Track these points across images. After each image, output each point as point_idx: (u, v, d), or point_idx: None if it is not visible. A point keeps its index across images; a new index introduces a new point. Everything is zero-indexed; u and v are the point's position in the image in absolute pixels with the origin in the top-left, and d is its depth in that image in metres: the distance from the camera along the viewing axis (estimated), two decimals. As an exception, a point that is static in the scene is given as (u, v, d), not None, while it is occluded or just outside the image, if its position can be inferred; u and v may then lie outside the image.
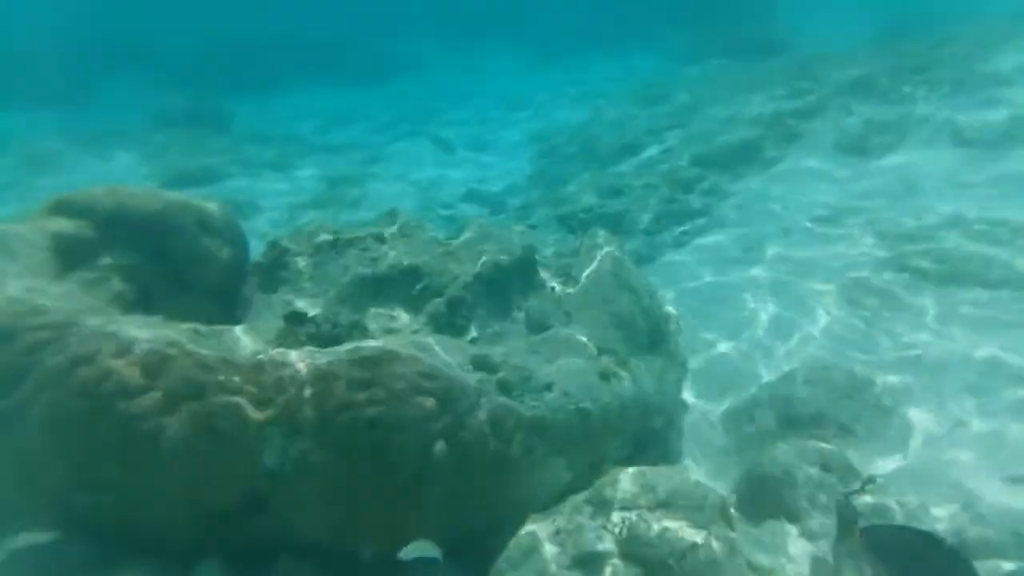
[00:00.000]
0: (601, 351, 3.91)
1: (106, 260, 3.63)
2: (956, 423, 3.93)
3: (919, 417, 4.03)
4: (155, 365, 2.78)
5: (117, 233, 3.68)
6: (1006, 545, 3.01)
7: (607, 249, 4.68)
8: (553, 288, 4.49)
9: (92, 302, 3.26)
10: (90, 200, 3.70)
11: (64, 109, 17.02)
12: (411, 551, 3.05)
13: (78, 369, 2.71)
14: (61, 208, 3.66)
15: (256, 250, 4.42)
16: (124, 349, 2.80)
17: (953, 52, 10.76)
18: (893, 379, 4.40)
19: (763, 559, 2.88)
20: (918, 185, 7.34)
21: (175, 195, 4.10)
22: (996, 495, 3.36)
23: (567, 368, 3.64)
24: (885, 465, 3.60)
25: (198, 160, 12.50)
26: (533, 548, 2.83)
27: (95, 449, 2.63)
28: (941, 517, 3.19)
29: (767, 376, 4.62)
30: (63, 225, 3.61)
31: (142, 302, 3.60)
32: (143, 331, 2.94)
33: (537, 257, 4.50)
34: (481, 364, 3.29)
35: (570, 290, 4.36)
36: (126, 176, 11.78)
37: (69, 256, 3.54)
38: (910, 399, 4.23)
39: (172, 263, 3.86)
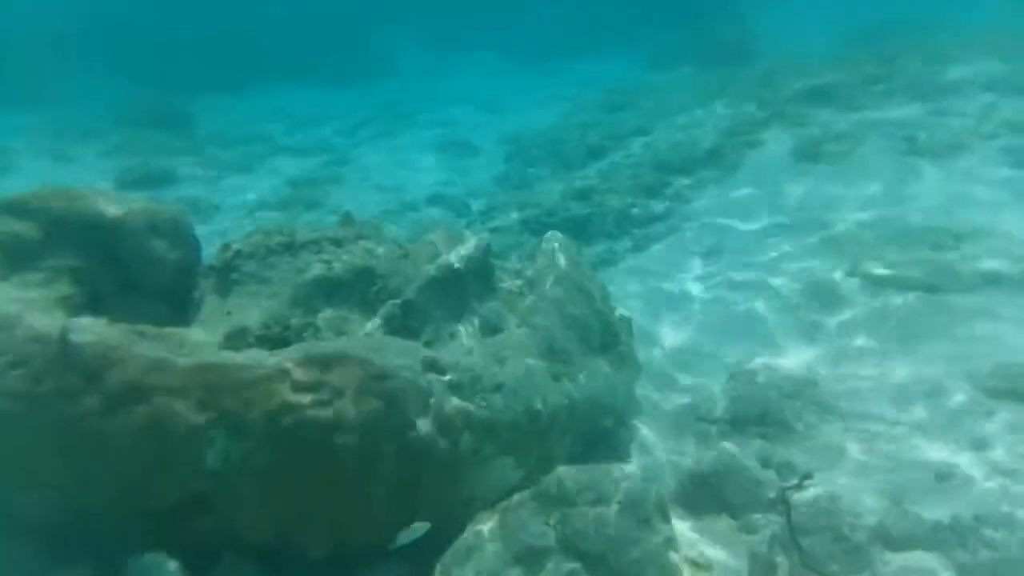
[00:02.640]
0: (554, 352, 3.99)
1: (53, 262, 3.60)
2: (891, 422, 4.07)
3: (859, 416, 4.17)
4: (98, 366, 2.78)
5: (65, 235, 3.65)
6: (927, 539, 3.14)
7: (562, 252, 4.75)
8: (510, 291, 4.55)
9: (37, 303, 3.24)
10: (37, 201, 3.67)
11: (19, 107, 16.67)
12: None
13: (16, 370, 2.70)
14: (7, 208, 3.63)
15: (211, 252, 4.41)
16: (66, 351, 2.80)
17: (908, 64, 11.08)
18: (837, 379, 4.54)
19: (701, 553, 2.97)
20: (871, 191, 7.54)
21: (124, 197, 4.09)
22: (925, 491, 3.49)
23: (518, 369, 3.70)
24: (822, 461, 3.72)
25: (158, 160, 12.32)
26: (477, 545, 2.89)
27: (35, 450, 2.62)
28: (873, 510, 3.31)
29: (717, 378, 4.73)
30: (9, 225, 3.58)
31: (90, 304, 3.58)
32: (86, 334, 2.94)
33: (494, 260, 4.56)
34: (431, 365, 3.34)
35: (525, 292, 4.43)
36: (83, 175, 11.60)
37: (14, 257, 3.51)
38: (852, 400, 4.36)
39: (121, 265, 3.84)
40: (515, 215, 8.45)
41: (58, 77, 18.92)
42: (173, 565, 2.77)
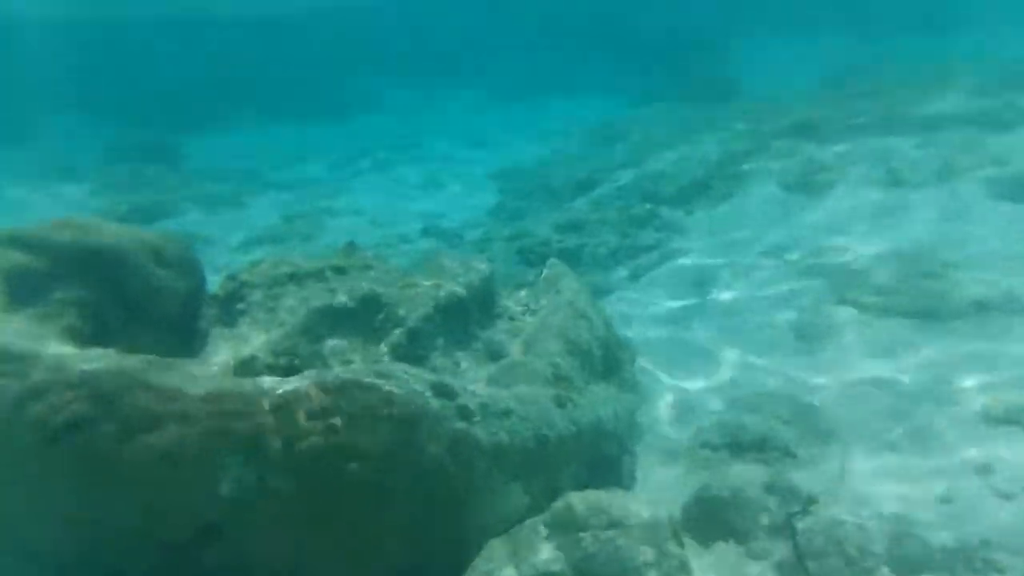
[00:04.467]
0: (558, 379, 4.02)
1: (59, 294, 3.60)
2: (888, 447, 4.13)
3: (857, 442, 4.22)
4: (109, 396, 2.78)
5: (71, 267, 3.66)
6: (934, 562, 3.17)
7: (565, 279, 4.82)
8: (512, 318, 4.59)
9: (45, 336, 3.23)
10: (42, 233, 3.69)
11: (9, 146, 16.65)
12: None
13: (30, 403, 2.69)
14: (12, 241, 3.63)
15: (212, 284, 4.42)
16: (77, 381, 2.79)
17: (888, 99, 11.41)
18: (834, 407, 4.60)
19: (713, 578, 2.98)
20: (857, 221, 7.71)
21: (130, 228, 4.11)
22: (930, 514, 3.53)
23: (524, 395, 3.73)
24: (825, 486, 3.75)
25: (149, 196, 12.37)
26: (490, 572, 2.88)
27: (48, 481, 2.60)
28: (879, 534, 3.34)
29: (716, 404, 4.77)
30: (14, 258, 3.58)
31: (96, 335, 3.57)
32: (98, 363, 2.94)
33: (496, 288, 4.61)
34: (441, 391, 3.35)
35: (528, 319, 4.48)
36: (75, 212, 11.55)
37: (20, 289, 3.50)
38: (849, 426, 4.41)
39: (127, 296, 3.85)
40: (509, 246, 8.53)
41: (41, 116, 18.96)
42: None
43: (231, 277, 4.14)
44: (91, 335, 3.54)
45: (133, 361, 3.03)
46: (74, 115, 20.05)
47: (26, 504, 2.63)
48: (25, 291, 3.53)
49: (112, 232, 3.84)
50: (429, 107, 23.18)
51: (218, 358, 3.56)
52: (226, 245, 9.72)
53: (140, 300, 3.81)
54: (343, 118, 21.95)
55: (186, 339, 3.88)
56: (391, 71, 26.68)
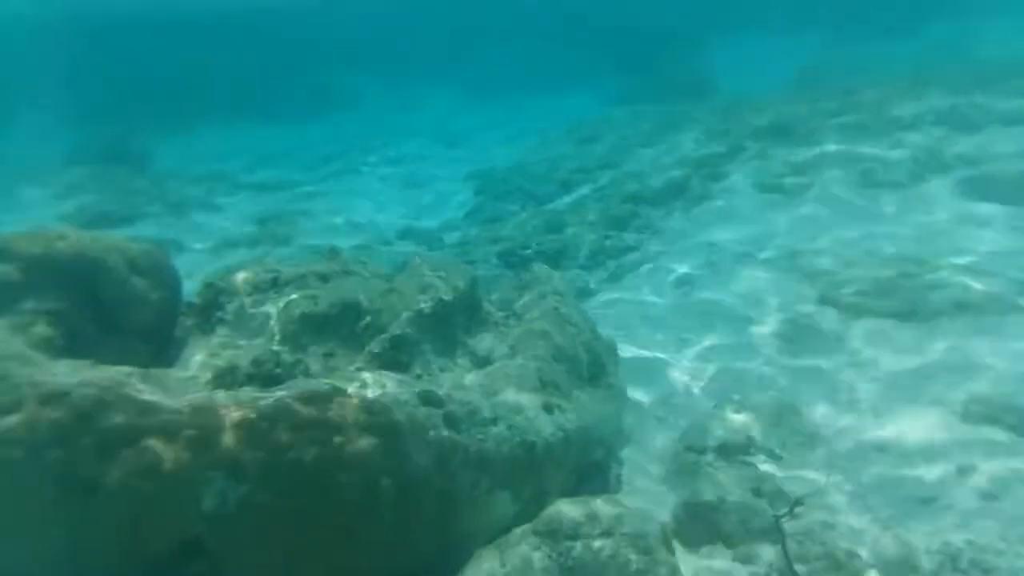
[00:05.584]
0: (544, 384, 3.98)
1: (31, 304, 3.47)
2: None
3: (842, 442, 4.25)
4: (88, 410, 2.69)
5: (43, 276, 3.54)
6: (921, 562, 3.20)
7: (549, 284, 4.79)
8: (496, 323, 4.55)
9: (17, 347, 3.12)
10: (13, 243, 3.56)
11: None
12: None
13: (5, 418, 2.59)
14: (-18, 250, 3.51)
15: (187, 290, 4.32)
16: (54, 396, 2.70)
17: (860, 100, 11.55)
18: (817, 406, 4.63)
19: (705, 583, 2.97)
20: (833, 221, 7.79)
21: (103, 236, 3.99)
22: (914, 516, 3.56)
23: (512, 401, 3.69)
24: (811, 489, 3.76)
25: (117, 199, 12.10)
26: (481, 583, 2.84)
27: (25, 500, 2.50)
28: (865, 536, 3.36)
29: (701, 406, 4.78)
30: (-15, 267, 3.46)
31: (70, 346, 3.46)
32: (73, 376, 2.84)
33: (480, 293, 4.56)
34: (427, 399, 3.31)
35: (513, 324, 4.43)
36: (39, 217, 11.28)
37: (-8, 299, 3.39)
38: (835, 427, 4.44)
39: (101, 306, 3.73)
40: (489, 248, 8.48)
41: (5, 116, 18.46)
42: None
43: (209, 284, 4.03)
44: (65, 346, 3.43)
45: (110, 373, 2.93)
46: (37, 115, 19.58)
47: (1, 524, 2.54)
48: (-5, 301, 3.41)
49: (86, 241, 3.72)
50: (405, 106, 23.03)
51: (197, 369, 3.46)
52: (198, 250, 9.54)
53: (115, 310, 3.70)
54: (317, 118, 21.72)
55: (163, 349, 3.78)
56: (366, 70, 26.47)
